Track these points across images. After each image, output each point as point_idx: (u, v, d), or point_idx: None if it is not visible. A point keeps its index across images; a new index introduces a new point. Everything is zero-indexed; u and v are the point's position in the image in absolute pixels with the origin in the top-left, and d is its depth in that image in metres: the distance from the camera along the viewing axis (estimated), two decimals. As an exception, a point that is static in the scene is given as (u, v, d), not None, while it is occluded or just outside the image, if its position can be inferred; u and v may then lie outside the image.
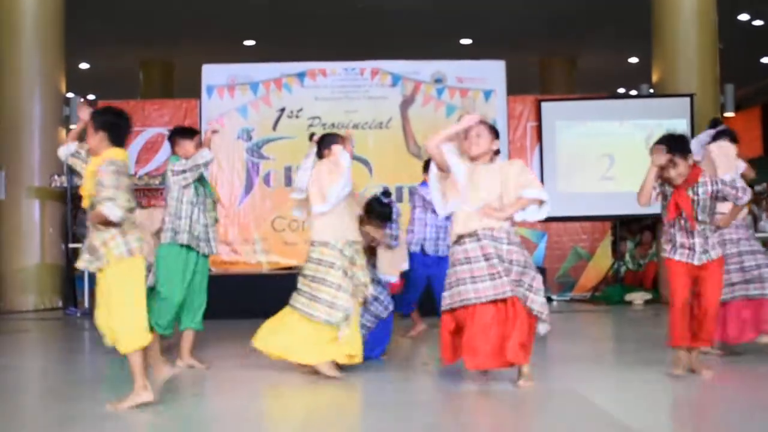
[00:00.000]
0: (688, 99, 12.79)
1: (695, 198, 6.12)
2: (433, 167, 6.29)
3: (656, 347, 8.34)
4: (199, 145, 7.09)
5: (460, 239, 5.93)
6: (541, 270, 11.94)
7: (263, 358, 6.66)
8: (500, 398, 5.82)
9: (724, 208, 6.92)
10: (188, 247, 7.01)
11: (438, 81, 13.09)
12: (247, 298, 11.31)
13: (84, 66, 19.52)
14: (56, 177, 12.42)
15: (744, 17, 16.71)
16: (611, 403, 5.54)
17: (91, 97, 18.70)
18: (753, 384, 6.30)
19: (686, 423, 5.14)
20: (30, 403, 6.14)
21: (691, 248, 6.12)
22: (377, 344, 7.16)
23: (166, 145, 13.09)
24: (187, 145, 7.06)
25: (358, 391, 6.23)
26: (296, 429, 4.87)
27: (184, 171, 6.92)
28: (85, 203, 5.29)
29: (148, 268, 6.06)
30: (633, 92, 16.06)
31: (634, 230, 14.10)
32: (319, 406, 5.52)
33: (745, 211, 7.47)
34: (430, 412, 5.38)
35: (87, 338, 9.77)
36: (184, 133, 7.21)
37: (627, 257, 13.92)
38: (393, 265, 7.43)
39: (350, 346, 6.42)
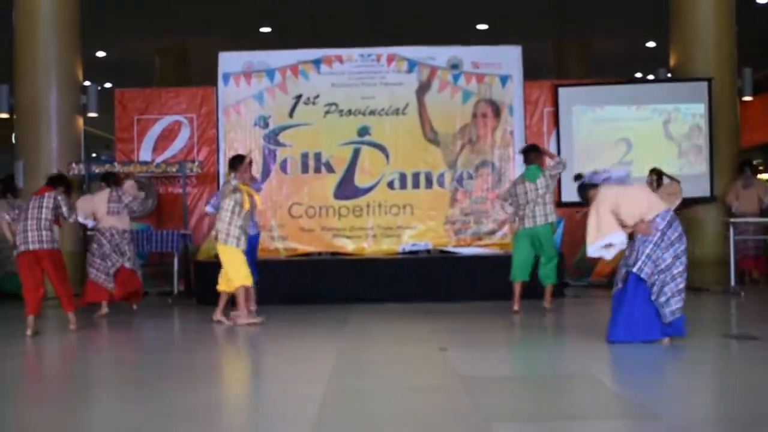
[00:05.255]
0: (705, 83, 12.73)
1: None
2: None
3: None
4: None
5: None
6: (559, 255, 12.01)
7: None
8: (517, 382, 5.84)
9: None
10: None
11: (454, 67, 13.06)
12: (264, 285, 11.35)
13: (101, 54, 19.57)
14: (74, 165, 12.47)
15: (762, 0, 16.58)
16: (627, 386, 5.54)
17: (107, 85, 18.75)
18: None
19: (700, 405, 5.14)
20: (42, 388, 6.19)
21: None
22: None
23: (183, 133, 13.25)
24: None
25: (375, 375, 6.25)
26: (309, 414, 4.88)
27: None
28: None
29: None
30: (650, 77, 15.96)
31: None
32: (335, 390, 5.54)
33: None
34: (448, 396, 5.40)
35: (104, 324, 9.82)
36: None
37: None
38: None
39: None
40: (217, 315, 9.29)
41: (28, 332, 8.41)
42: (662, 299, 6.92)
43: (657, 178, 10.89)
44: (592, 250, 7.02)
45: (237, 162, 9.13)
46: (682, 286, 6.96)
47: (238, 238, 9.03)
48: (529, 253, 9.88)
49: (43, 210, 8.59)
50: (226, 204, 9.02)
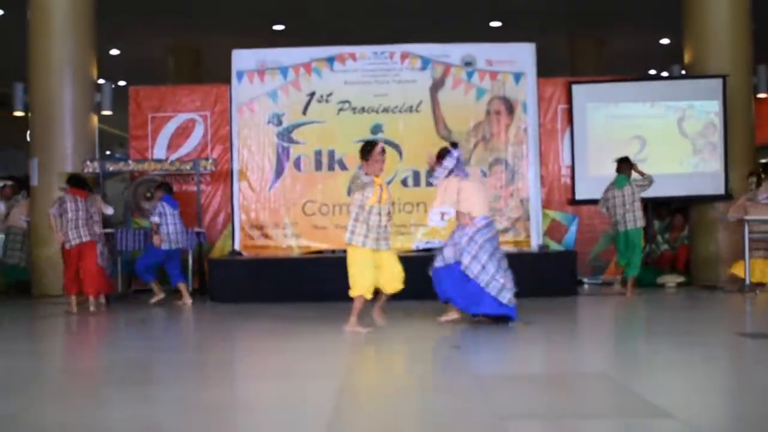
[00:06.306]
0: (720, 80, 12.68)
1: None
2: None
3: (687, 330, 8.32)
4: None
5: None
6: (573, 253, 12.00)
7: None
8: (530, 381, 5.82)
9: None
10: None
11: (468, 64, 13.05)
12: (277, 282, 11.38)
13: (115, 52, 19.63)
14: (89, 163, 12.51)
15: (778, -3, 16.48)
16: (641, 385, 5.52)
17: (122, 83, 18.80)
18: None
19: (713, 404, 5.11)
20: (57, 388, 6.21)
21: None
22: None
23: (197, 131, 13.29)
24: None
25: (387, 374, 6.25)
26: (323, 412, 4.88)
27: None
28: None
29: None
30: (665, 73, 15.89)
31: (663, 213, 13.99)
32: (349, 388, 5.54)
33: None
34: (461, 394, 5.39)
35: (114, 321, 9.85)
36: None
37: (659, 239, 13.83)
38: None
39: None
40: (350, 325, 8.21)
41: (74, 309, 10.16)
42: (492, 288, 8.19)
43: (757, 179, 11.87)
44: (432, 214, 8.50)
45: (366, 150, 7.98)
46: (497, 278, 8.17)
47: (365, 236, 7.99)
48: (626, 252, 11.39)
49: (88, 210, 10.37)
50: (355, 199, 8.07)
